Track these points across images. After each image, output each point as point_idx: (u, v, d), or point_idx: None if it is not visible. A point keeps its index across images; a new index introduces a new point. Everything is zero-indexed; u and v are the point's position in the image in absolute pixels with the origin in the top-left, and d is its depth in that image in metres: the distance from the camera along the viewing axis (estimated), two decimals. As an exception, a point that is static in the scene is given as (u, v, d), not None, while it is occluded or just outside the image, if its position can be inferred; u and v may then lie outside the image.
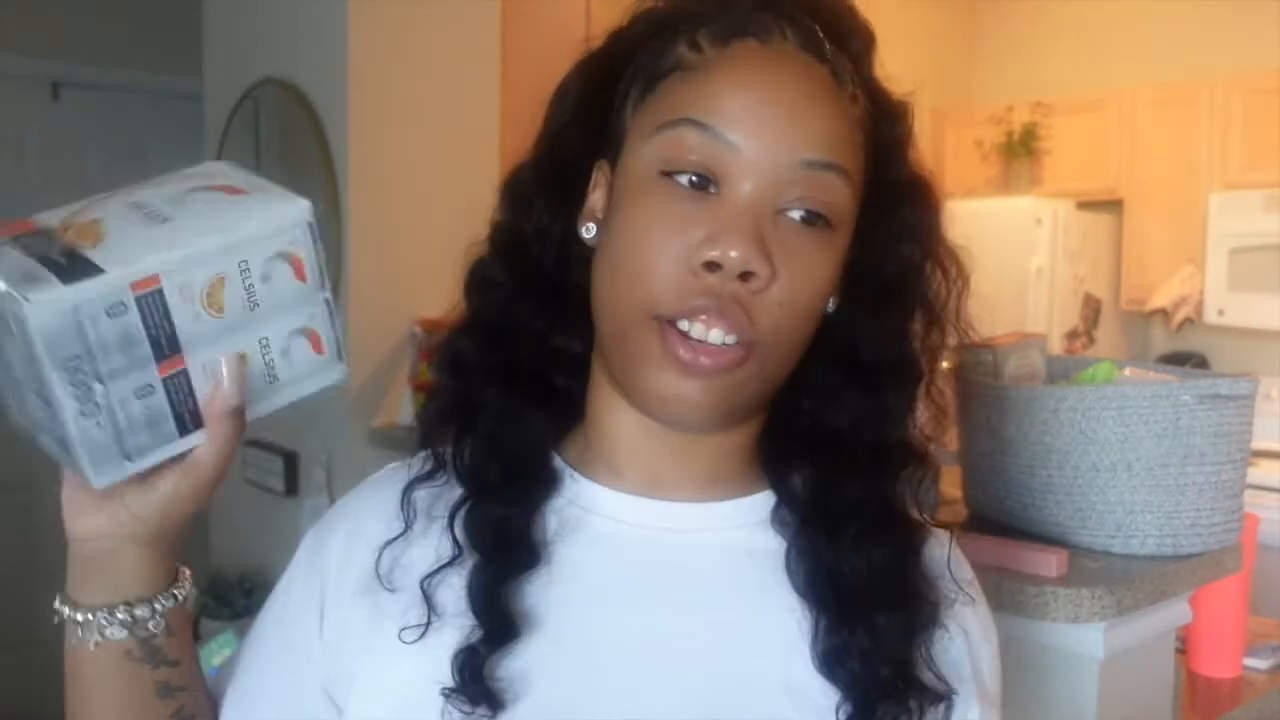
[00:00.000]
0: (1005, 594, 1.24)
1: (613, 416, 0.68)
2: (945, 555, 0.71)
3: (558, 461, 0.69)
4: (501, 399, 0.68)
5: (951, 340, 0.70)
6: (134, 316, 0.54)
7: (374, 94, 2.49)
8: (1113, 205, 4.12)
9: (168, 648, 0.64)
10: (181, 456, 0.59)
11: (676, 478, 0.68)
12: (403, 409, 2.49)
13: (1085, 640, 1.26)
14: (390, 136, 2.51)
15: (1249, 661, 1.65)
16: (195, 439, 0.59)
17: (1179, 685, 1.53)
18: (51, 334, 0.51)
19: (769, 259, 0.59)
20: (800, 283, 0.61)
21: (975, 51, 4.73)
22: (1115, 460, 1.32)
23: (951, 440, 1.59)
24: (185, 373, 0.57)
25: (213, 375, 0.59)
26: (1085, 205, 4.07)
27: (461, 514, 0.66)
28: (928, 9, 4.47)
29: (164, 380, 0.56)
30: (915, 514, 0.70)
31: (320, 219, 0.60)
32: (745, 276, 0.59)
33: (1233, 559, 1.40)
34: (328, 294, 0.63)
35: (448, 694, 0.59)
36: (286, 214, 0.59)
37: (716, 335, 0.60)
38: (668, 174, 0.61)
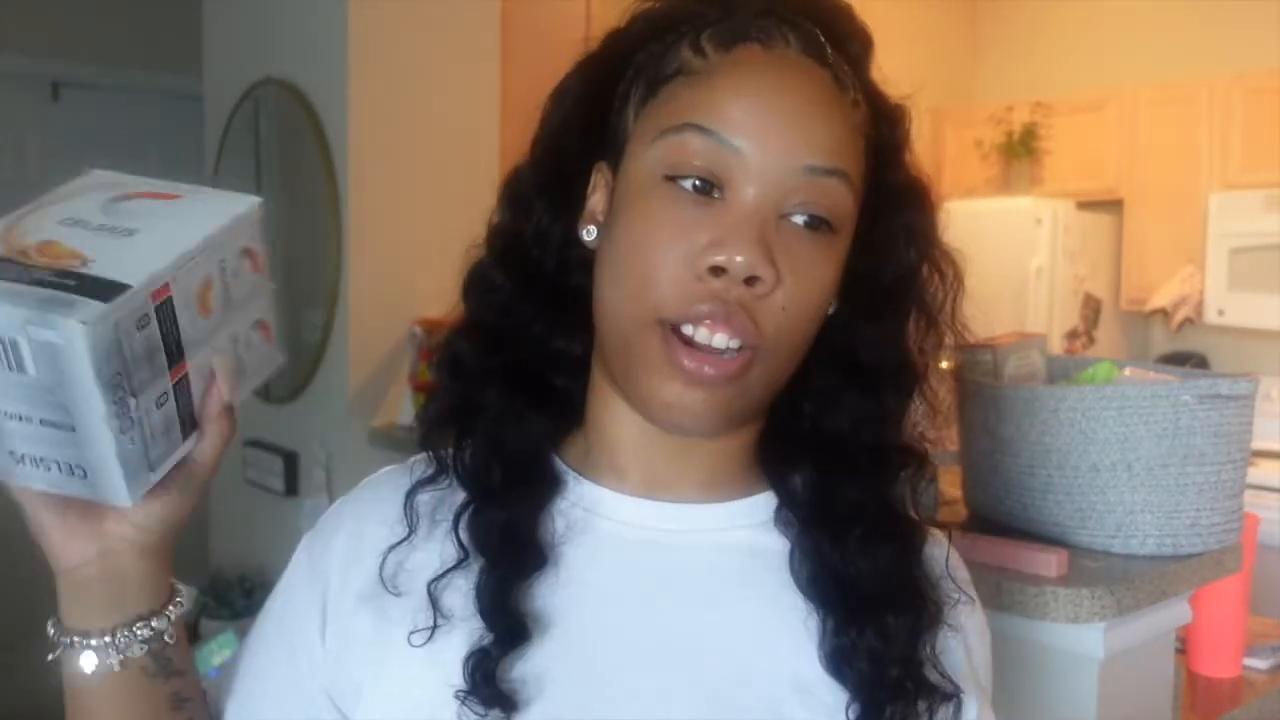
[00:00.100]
0: (1005, 594, 1.24)
1: (613, 419, 0.68)
2: (944, 556, 0.72)
3: (559, 464, 0.69)
4: (501, 401, 0.67)
5: (948, 342, 0.70)
6: (155, 327, 0.55)
7: (374, 94, 2.49)
8: (1113, 205, 4.12)
9: (176, 657, 0.64)
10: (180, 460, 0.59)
11: (678, 479, 0.68)
12: (403, 409, 2.49)
13: (1085, 640, 1.26)
14: (390, 136, 2.51)
15: (1249, 661, 1.65)
16: (193, 441, 0.60)
17: (1179, 685, 1.53)
18: (99, 354, 0.51)
19: (774, 264, 0.59)
20: (804, 287, 0.61)
21: (975, 51, 4.73)
22: (1115, 460, 1.32)
23: (951, 440, 1.59)
24: (187, 376, 0.58)
25: (204, 375, 0.59)
26: (1085, 205, 4.07)
27: (466, 517, 0.65)
28: (928, 9, 4.47)
29: (174, 386, 0.57)
30: (914, 515, 0.70)
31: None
32: (750, 281, 0.59)
33: (1233, 559, 1.40)
34: (273, 284, 0.65)
35: (462, 697, 0.59)
36: (244, 210, 0.60)
37: (721, 340, 0.60)
38: (671, 179, 0.61)
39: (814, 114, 0.61)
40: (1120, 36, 4.24)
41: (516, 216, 0.69)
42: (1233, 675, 1.63)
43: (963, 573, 0.74)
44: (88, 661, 0.60)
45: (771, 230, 0.60)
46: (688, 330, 0.60)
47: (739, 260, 0.58)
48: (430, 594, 0.63)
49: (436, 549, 0.65)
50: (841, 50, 0.65)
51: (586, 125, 0.67)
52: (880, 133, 0.66)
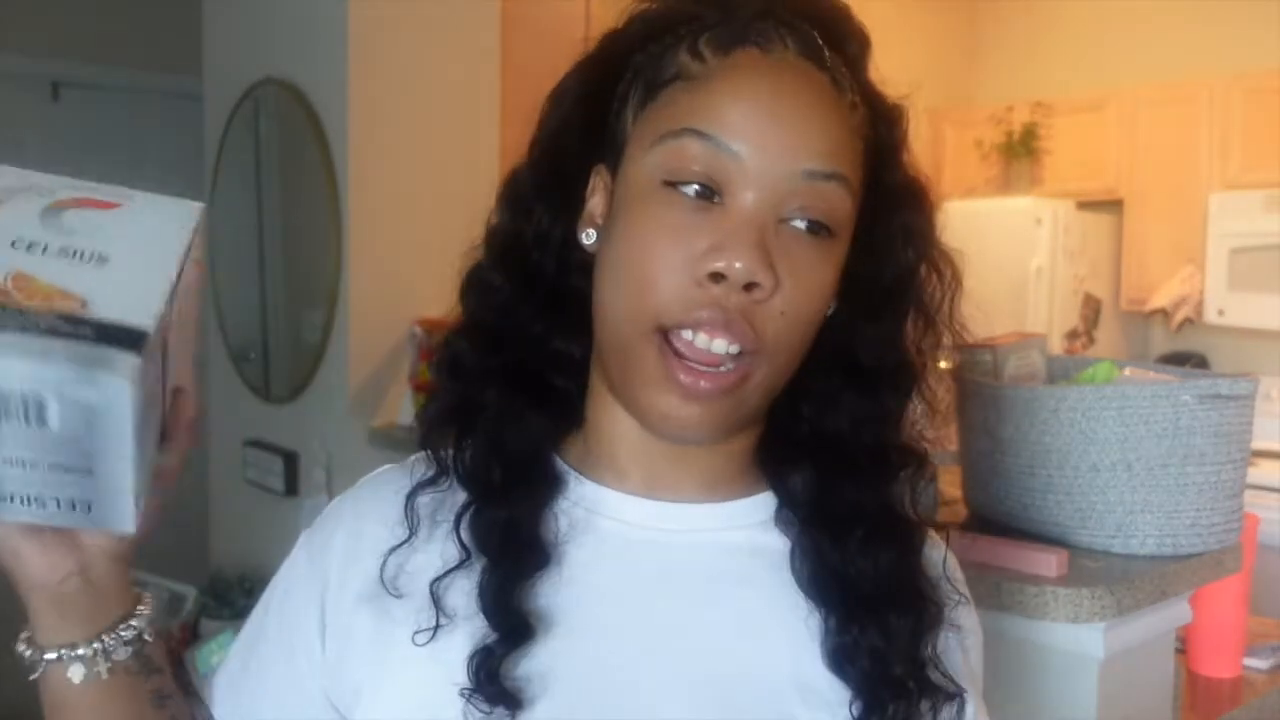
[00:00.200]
0: (1005, 594, 1.24)
1: (613, 421, 0.68)
2: (942, 556, 0.72)
3: (560, 464, 0.69)
4: (501, 401, 0.67)
5: (946, 342, 0.70)
6: (158, 361, 0.55)
7: (374, 94, 2.49)
8: (1113, 205, 4.12)
9: (154, 655, 0.64)
10: None
11: (678, 480, 0.68)
12: (403, 409, 2.49)
13: (1085, 640, 1.26)
14: (390, 136, 2.51)
15: (1249, 661, 1.65)
16: (161, 451, 0.60)
17: (1179, 685, 1.53)
18: (136, 404, 0.52)
19: (773, 269, 0.60)
20: (802, 291, 0.61)
21: (975, 51, 4.73)
22: (1115, 460, 1.32)
23: (951, 440, 1.59)
24: (167, 393, 0.59)
25: (171, 388, 0.59)
26: (1085, 205, 4.07)
27: (467, 518, 0.65)
28: (927, 9, 4.47)
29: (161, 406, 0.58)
30: (913, 515, 0.70)
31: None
32: (749, 287, 0.59)
33: (1233, 559, 1.40)
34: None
35: (467, 695, 0.60)
36: (195, 221, 0.59)
37: (720, 345, 0.60)
38: (670, 184, 0.61)
39: (812, 118, 0.61)
40: (1120, 36, 4.24)
41: (515, 218, 0.69)
42: (1233, 675, 1.63)
43: (959, 573, 0.74)
44: (76, 672, 0.60)
45: (770, 235, 0.60)
46: (687, 335, 0.60)
47: (738, 266, 0.58)
48: (433, 594, 0.63)
49: (438, 550, 0.65)
50: (839, 51, 0.65)
51: (585, 127, 0.67)
52: (878, 133, 0.66)
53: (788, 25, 0.63)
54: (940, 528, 0.74)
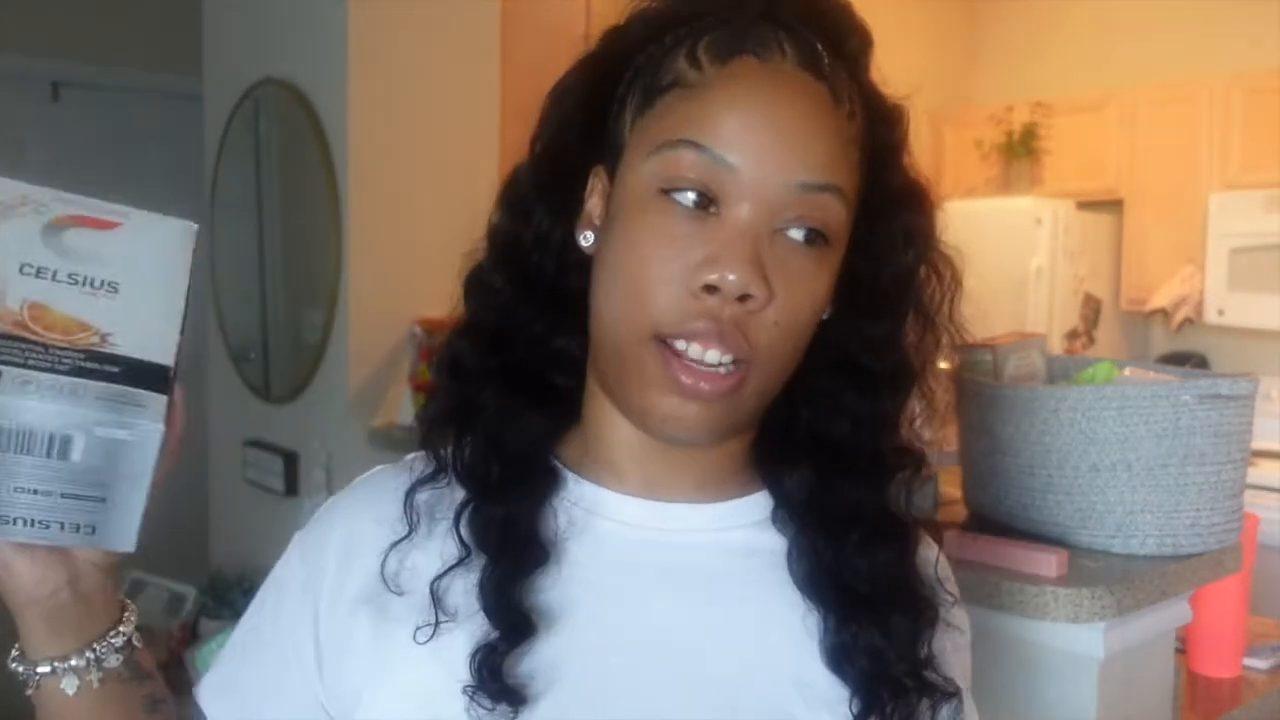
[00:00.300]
0: (1005, 594, 1.24)
1: (610, 424, 0.68)
2: (934, 557, 0.73)
3: (557, 464, 0.69)
4: (500, 400, 0.68)
5: (945, 343, 0.70)
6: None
7: (374, 94, 2.49)
8: (1113, 205, 4.12)
9: (144, 661, 0.65)
10: None
11: (675, 481, 0.69)
12: (403, 409, 2.49)
13: (1085, 640, 1.26)
14: (390, 136, 2.51)
15: (1249, 661, 1.65)
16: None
17: (1179, 685, 1.53)
18: (163, 442, 0.53)
19: (766, 281, 0.60)
20: (796, 302, 0.62)
21: (975, 51, 4.73)
22: (1115, 460, 1.32)
23: (951, 440, 1.59)
24: None
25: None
26: (1085, 205, 4.07)
27: (466, 515, 0.66)
28: (927, 9, 4.47)
29: None
30: (909, 517, 0.70)
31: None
32: (743, 298, 0.60)
33: (1233, 559, 1.40)
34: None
35: (470, 692, 0.60)
36: (192, 243, 0.60)
37: (713, 355, 0.60)
38: (666, 193, 0.61)
39: (808, 130, 0.61)
40: (1120, 36, 4.24)
41: (515, 219, 0.69)
42: (1233, 675, 1.63)
43: (949, 572, 0.75)
44: (70, 683, 0.61)
45: (765, 245, 0.61)
46: (681, 345, 0.60)
47: (732, 279, 0.59)
48: (433, 591, 0.63)
49: (436, 547, 0.65)
50: (840, 50, 0.65)
51: (584, 128, 0.68)
52: (878, 135, 0.66)
53: (787, 30, 0.63)
54: (932, 527, 0.74)
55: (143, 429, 0.52)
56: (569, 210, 0.68)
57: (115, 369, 0.53)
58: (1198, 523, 1.34)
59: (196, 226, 0.61)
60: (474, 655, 0.61)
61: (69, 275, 0.55)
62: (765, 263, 0.60)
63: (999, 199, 4.16)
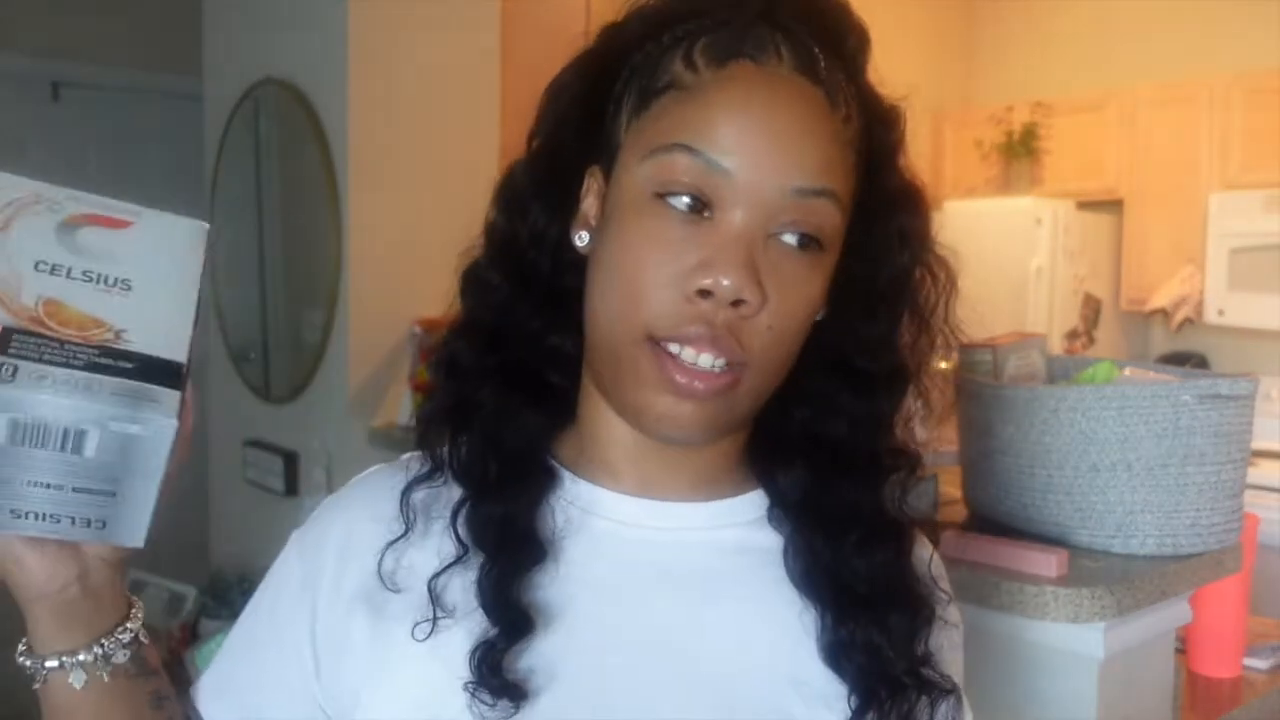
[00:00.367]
0: (1005, 594, 1.24)
1: (606, 423, 0.69)
2: (928, 555, 0.74)
3: (553, 462, 0.70)
4: (497, 399, 0.68)
5: (940, 344, 0.71)
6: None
7: (374, 94, 2.49)
8: (1113, 205, 4.12)
9: (150, 658, 0.65)
10: None
11: (670, 480, 0.69)
12: (403, 409, 2.49)
13: (1085, 640, 1.26)
14: (390, 136, 2.51)
15: (1249, 661, 1.65)
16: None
17: (1179, 685, 1.53)
18: (176, 438, 0.54)
19: (760, 286, 0.60)
20: (789, 307, 0.62)
21: (975, 51, 4.73)
22: (1115, 460, 1.32)
23: (950, 440, 1.59)
24: None
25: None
26: (1085, 205, 4.07)
27: (463, 513, 0.66)
28: (927, 9, 4.47)
29: None
30: (904, 516, 0.71)
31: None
32: (737, 303, 0.60)
33: (1233, 559, 1.40)
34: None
35: (472, 689, 0.60)
36: (203, 242, 0.60)
37: (706, 360, 0.61)
38: (661, 197, 0.61)
39: (804, 135, 0.61)
40: (1120, 36, 4.24)
41: (512, 217, 0.69)
42: (1233, 675, 1.63)
43: (943, 570, 0.75)
44: (78, 678, 0.61)
45: (759, 250, 0.61)
46: (674, 349, 0.61)
47: (726, 284, 0.59)
48: (431, 589, 0.63)
49: (434, 545, 0.66)
50: (838, 50, 0.64)
51: (581, 126, 0.68)
52: (875, 137, 0.66)
53: (784, 31, 0.63)
54: (928, 526, 0.74)
55: (156, 424, 0.52)
56: (565, 209, 0.68)
57: (129, 365, 0.53)
58: (1198, 523, 1.34)
59: (208, 226, 0.61)
60: (474, 652, 0.61)
61: (83, 273, 0.56)
62: (759, 267, 0.60)
63: (999, 199, 4.16)
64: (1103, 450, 1.33)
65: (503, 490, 0.66)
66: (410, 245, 2.47)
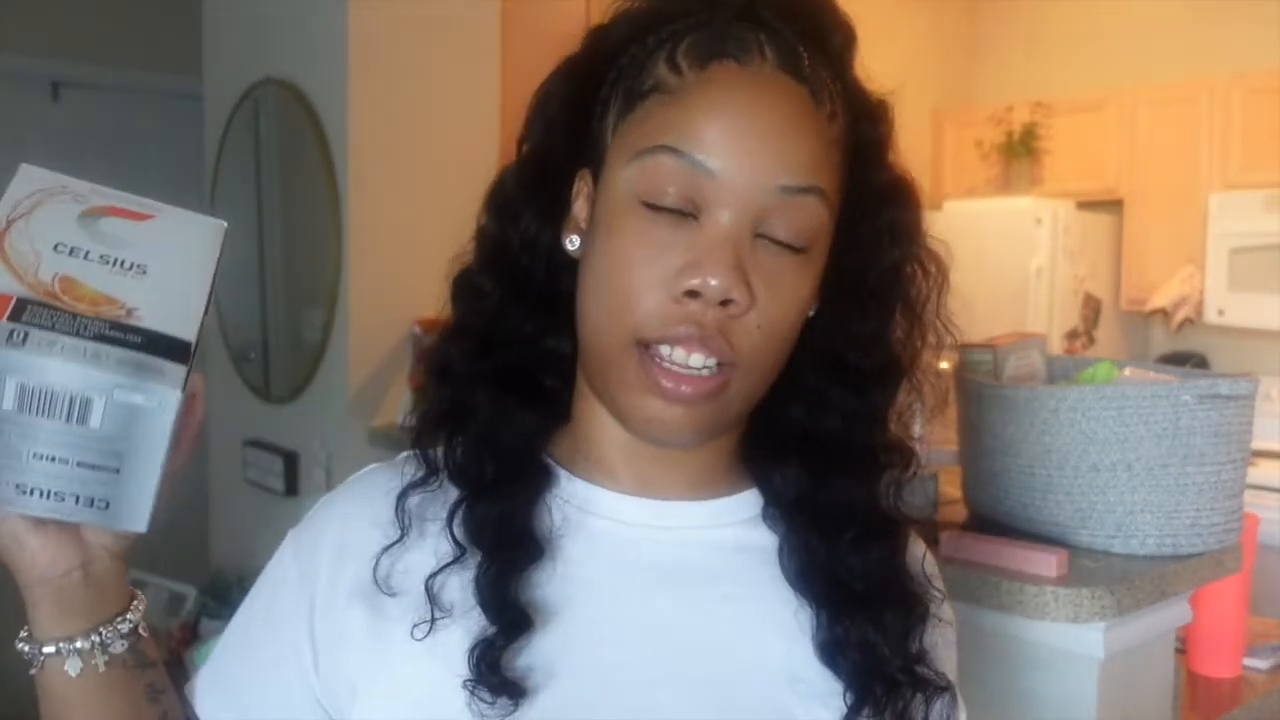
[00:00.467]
0: (1005, 594, 1.24)
1: (600, 422, 0.69)
2: (921, 553, 0.74)
3: (549, 461, 0.70)
4: (491, 403, 0.68)
5: (932, 338, 0.71)
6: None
7: (374, 94, 2.49)
8: (1113, 205, 4.12)
9: (148, 650, 0.65)
10: None
11: (665, 480, 0.69)
12: (403, 409, 2.48)
13: (1085, 640, 1.26)
14: (390, 136, 2.51)
15: (1249, 661, 1.65)
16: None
17: (1179, 685, 1.53)
18: (180, 412, 0.54)
19: (748, 285, 0.60)
20: (778, 305, 0.62)
21: (975, 51, 4.73)
22: (1115, 460, 1.32)
23: (952, 440, 1.59)
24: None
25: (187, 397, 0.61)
26: (1085, 205, 4.07)
27: (460, 514, 0.66)
28: (928, 9, 4.47)
29: None
30: (897, 513, 0.71)
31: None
32: (725, 303, 0.60)
33: (1233, 559, 1.40)
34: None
35: (471, 687, 0.60)
36: (219, 239, 0.62)
37: (697, 360, 0.61)
38: (647, 200, 0.61)
39: (789, 133, 0.61)
40: (1120, 36, 4.24)
41: (503, 222, 0.69)
42: (1233, 675, 1.63)
43: (935, 568, 0.75)
44: (73, 665, 0.61)
45: (746, 250, 0.61)
46: (665, 350, 0.61)
47: (713, 284, 0.59)
48: (428, 589, 0.63)
49: (430, 548, 0.66)
50: (822, 47, 0.65)
51: (570, 130, 0.68)
52: (862, 132, 0.66)
53: (768, 30, 0.63)
54: (926, 525, 0.75)
55: (160, 394, 0.53)
56: (556, 213, 0.69)
57: (137, 339, 0.54)
58: (1198, 523, 1.34)
59: (225, 224, 0.63)
60: (473, 650, 0.61)
61: (100, 256, 0.57)
62: (747, 267, 0.60)
63: (999, 199, 4.16)
64: (1103, 450, 1.33)
65: (499, 490, 0.66)
66: (410, 245, 2.47)
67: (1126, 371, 1.48)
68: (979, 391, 1.47)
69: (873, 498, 0.70)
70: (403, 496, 0.67)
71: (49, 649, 0.61)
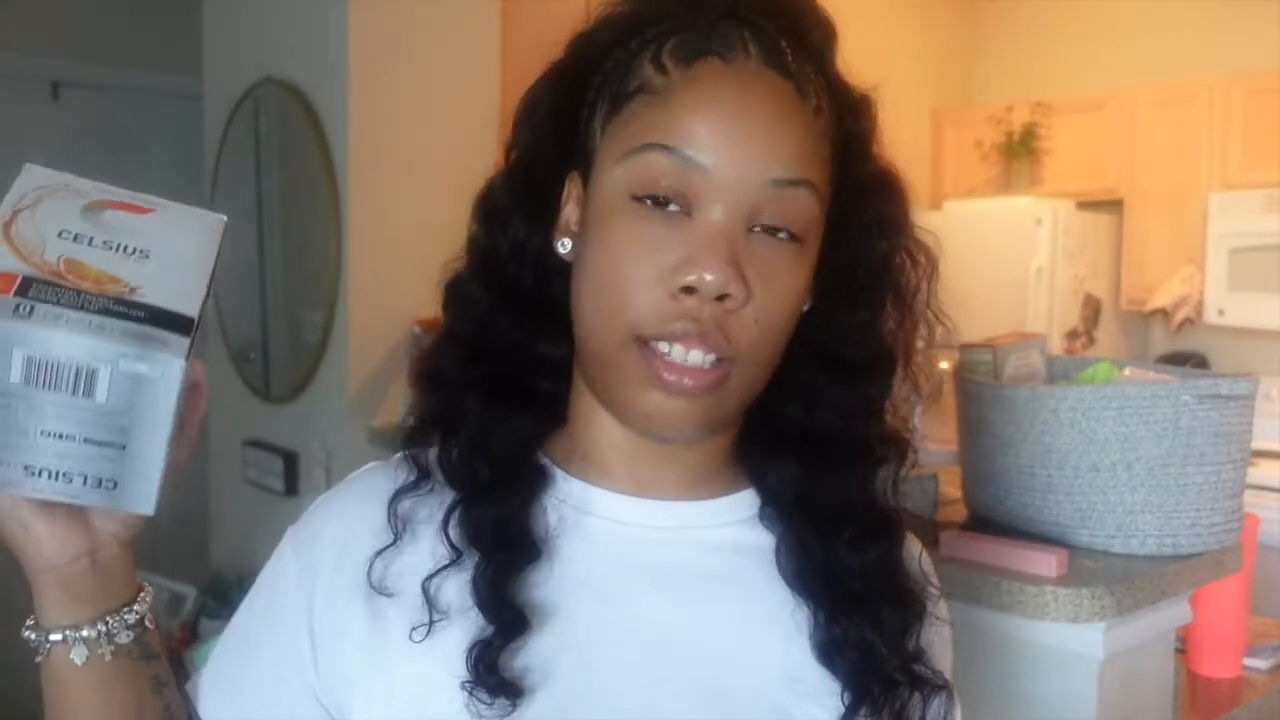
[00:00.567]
0: (1005, 594, 1.24)
1: (598, 423, 0.69)
2: (917, 551, 0.74)
3: (546, 461, 0.70)
4: (483, 408, 0.68)
5: (924, 328, 0.71)
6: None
7: (374, 94, 2.49)
8: (1113, 205, 4.12)
9: (153, 642, 0.65)
10: None
11: (662, 479, 0.69)
12: (402, 409, 2.48)
13: (1085, 640, 1.26)
14: (390, 136, 2.51)
15: (1249, 661, 1.65)
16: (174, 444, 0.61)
17: (1179, 685, 1.53)
18: (184, 384, 0.55)
19: (744, 279, 0.61)
20: (774, 298, 0.62)
21: (975, 51, 4.73)
22: (1115, 460, 1.32)
23: (951, 440, 1.59)
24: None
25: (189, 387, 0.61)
26: (1085, 205, 4.07)
27: (456, 516, 0.66)
28: (928, 9, 4.47)
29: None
30: (894, 508, 0.71)
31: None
32: (722, 298, 0.60)
33: (1233, 559, 1.41)
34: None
35: (469, 687, 0.60)
36: (219, 233, 0.64)
37: (696, 357, 0.61)
38: (639, 198, 0.62)
39: (777, 127, 0.62)
40: (1120, 36, 4.24)
41: (492, 230, 0.69)
42: (1233, 675, 1.63)
43: (931, 566, 0.76)
44: (79, 653, 0.61)
45: (740, 244, 0.61)
46: (663, 348, 0.61)
47: (709, 279, 0.59)
48: (425, 592, 0.63)
49: (427, 548, 0.66)
50: (804, 43, 0.65)
51: (558, 135, 0.68)
52: (846, 126, 0.67)
53: (751, 28, 0.63)
54: (918, 524, 0.75)
55: (164, 363, 0.54)
56: (545, 218, 0.69)
57: (141, 313, 0.55)
58: (1198, 523, 1.34)
59: (225, 219, 0.64)
60: (470, 650, 0.61)
61: (104, 242, 0.58)
62: (742, 261, 0.61)
63: (999, 199, 4.16)
64: (1103, 450, 1.33)
65: (494, 492, 0.66)
66: (410, 245, 2.46)
67: (1126, 371, 1.48)
68: (979, 391, 1.47)
69: (870, 494, 0.70)
70: (394, 501, 0.67)
71: (55, 637, 0.61)
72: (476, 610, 0.62)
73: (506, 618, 0.62)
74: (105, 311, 0.54)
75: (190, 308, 0.57)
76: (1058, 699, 1.29)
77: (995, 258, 3.83)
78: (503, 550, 0.64)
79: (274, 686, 0.68)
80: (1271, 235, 3.61)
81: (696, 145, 0.60)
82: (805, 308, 0.67)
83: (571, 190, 0.68)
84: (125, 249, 0.58)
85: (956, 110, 4.53)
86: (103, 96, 3.66)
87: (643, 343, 0.62)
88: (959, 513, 1.56)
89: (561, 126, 0.68)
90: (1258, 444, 1.55)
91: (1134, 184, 4.04)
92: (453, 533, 0.65)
